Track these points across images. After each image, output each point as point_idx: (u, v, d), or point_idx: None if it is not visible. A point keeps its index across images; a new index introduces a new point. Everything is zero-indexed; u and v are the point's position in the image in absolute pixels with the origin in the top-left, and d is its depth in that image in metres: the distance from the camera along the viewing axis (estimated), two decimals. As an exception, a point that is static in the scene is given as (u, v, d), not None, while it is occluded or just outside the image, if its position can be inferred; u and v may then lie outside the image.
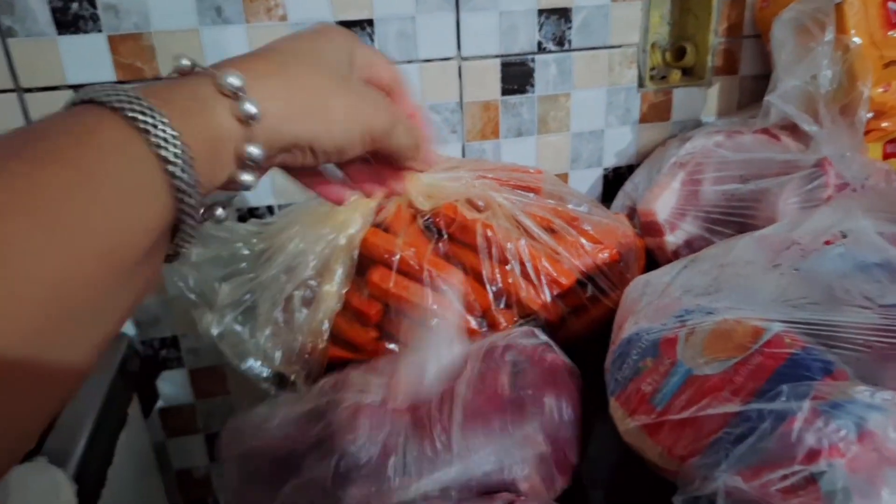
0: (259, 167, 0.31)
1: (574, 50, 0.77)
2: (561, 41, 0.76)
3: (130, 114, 0.25)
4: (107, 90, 0.26)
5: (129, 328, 0.76)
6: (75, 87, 0.67)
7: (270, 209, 0.76)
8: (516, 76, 0.76)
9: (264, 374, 0.56)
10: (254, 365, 0.56)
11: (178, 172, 0.26)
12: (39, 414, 0.24)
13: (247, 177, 0.31)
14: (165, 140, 0.26)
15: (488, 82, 0.76)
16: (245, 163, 0.30)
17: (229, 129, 0.29)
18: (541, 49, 0.76)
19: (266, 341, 0.55)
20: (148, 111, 0.26)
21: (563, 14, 0.75)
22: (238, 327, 0.57)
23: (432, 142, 0.42)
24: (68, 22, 0.65)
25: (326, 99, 0.33)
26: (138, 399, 0.71)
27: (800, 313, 0.40)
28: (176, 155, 0.26)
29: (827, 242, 0.44)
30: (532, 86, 0.77)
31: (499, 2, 0.72)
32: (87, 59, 0.66)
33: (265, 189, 0.75)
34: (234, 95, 0.29)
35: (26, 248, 0.21)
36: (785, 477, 0.36)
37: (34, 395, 0.23)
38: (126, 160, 0.25)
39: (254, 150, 0.30)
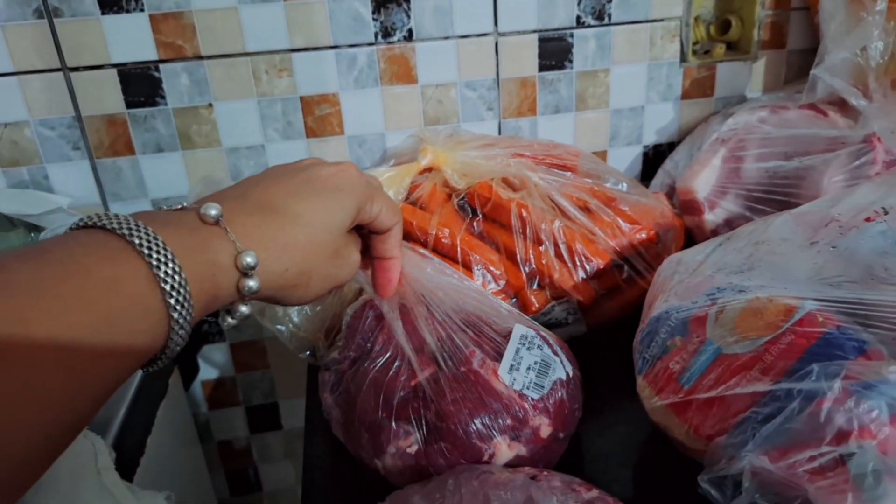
0: (235, 315, 0.35)
1: (614, 24, 0.75)
2: (601, 15, 0.74)
3: (160, 272, 0.28)
4: (130, 224, 0.29)
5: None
6: (119, 66, 0.69)
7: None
8: (554, 52, 0.75)
9: (294, 344, 0.57)
10: (284, 331, 0.57)
11: (178, 329, 0.29)
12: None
13: (230, 320, 0.36)
14: (180, 303, 0.29)
15: (525, 58, 0.75)
16: (230, 314, 0.35)
17: (228, 293, 0.33)
18: (580, 24, 0.74)
19: (295, 315, 0.56)
20: (174, 272, 0.29)
21: (603, -13, 0.73)
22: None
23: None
24: (112, 2, 0.66)
25: (310, 277, 0.37)
26: (179, 372, 0.74)
27: (835, 292, 0.39)
28: (182, 315, 0.29)
29: (867, 219, 0.43)
30: (570, 61, 0.76)
31: (536, -24, 0.71)
32: (129, 38, 0.68)
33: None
34: (245, 273, 0.33)
35: (41, 385, 0.24)
36: (813, 458, 0.35)
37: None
38: (145, 312, 0.28)
39: (242, 309, 0.35)
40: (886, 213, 0.43)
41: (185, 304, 0.29)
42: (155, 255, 0.28)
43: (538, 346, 0.48)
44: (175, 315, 0.29)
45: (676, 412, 0.41)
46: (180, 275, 0.29)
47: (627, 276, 0.65)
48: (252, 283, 0.33)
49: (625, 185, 0.69)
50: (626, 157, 0.82)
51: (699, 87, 0.80)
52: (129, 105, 0.70)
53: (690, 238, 0.71)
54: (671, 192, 0.75)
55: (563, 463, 0.47)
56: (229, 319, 0.35)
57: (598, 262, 0.63)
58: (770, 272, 0.42)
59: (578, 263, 0.63)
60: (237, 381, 0.86)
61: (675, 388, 0.42)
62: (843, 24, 0.65)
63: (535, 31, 0.74)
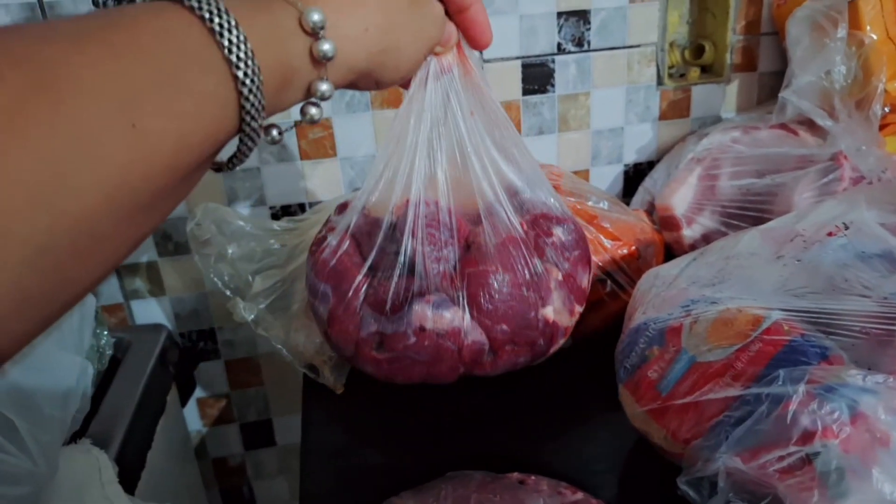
0: (325, 98, 0.32)
1: (593, 50, 0.78)
2: (580, 42, 0.78)
3: (214, 24, 0.25)
4: (223, 17, 0.26)
5: (167, 320, 0.80)
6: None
7: (302, 207, 0.79)
8: (537, 77, 0.78)
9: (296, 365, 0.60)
10: (286, 352, 0.60)
11: (246, 93, 0.26)
12: (72, 294, 0.24)
13: (313, 109, 0.32)
14: (242, 59, 0.26)
15: (509, 83, 0.78)
16: (313, 94, 0.31)
17: (303, 64, 0.30)
18: (560, 50, 0.78)
19: (297, 335, 0.58)
20: (231, 26, 0.26)
21: (582, 16, 0.76)
22: (270, 315, 0.61)
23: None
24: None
25: (398, 37, 0.34)
26: (177, 389, 0.75)
27: (800, 302, 0.42)
28: (248, 75, 0.26)
29: (830, 234, 0.46)
30: (552, 85, 0.79)
31: (519, 5, 0.74)
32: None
33: (297, 188, 0.78)
34: (314, 34, 0.30)
35: (104, 134, 0.21)
36: (782, 458, 0.37)
37: (85, 267, 0.23)
38: (203, 68, 0.25)
39: (323, 87, 0.31)
40: (847, 227, 0.46)
41: (250, 64, 0.26)
42: (206, 9, 0.25)
43: None
44: (241, 75, 0.26)
45: (655, 418, 0.44)
46: (238, 29, 0.26)
47: (610, 290, 0.67)
48: (327, 47, 0.30)
49: (606, 202, 0.72)
50: (608, 176, 0.86)
51: (676, 109, 0.83)
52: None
53: (670, 253, 0.74)
54: (651, 209, 0.78)
55: (549, 469, 0.50)
56: (311, 110, 0.32)
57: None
58: (739, 284, 0.45)
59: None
60: (232, 398, 0.88)
61: (653, 395, 0.44)
62: (808, 50, 0.69)
63: (518, 58, 0.77)
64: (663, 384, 0.44)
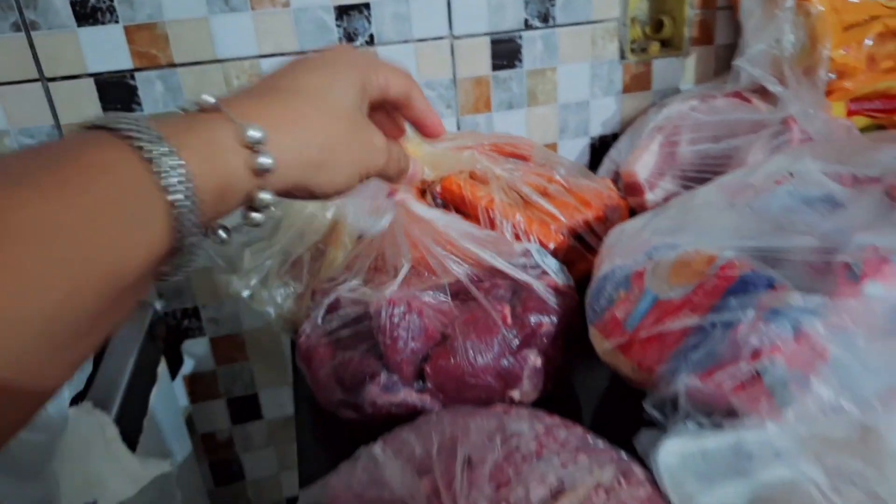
0: (266, 206, 0.32)
1: (559, 26, 0.82)
2: (546, 18, 0.81)
3: (151, 154, 0.26)
4: (119, 118, 0.27)
5: (153, 300, 0.82)
6: (96, 76, 0.73)
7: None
8: (505, 53, 0.82)
9: (274, 319, 0.63)
10: (272, 313, 0.62)
11: (182, 216, 0.27)
12: (8, 428, 0.24)
13: (255, 215, 0.32)
14: (178, 185, 0.26)
15: (479, 59, 0.81)
16: (253, 203, 0.32)
17: (241, 178, 0.30)
18: (527, 26, 0.81)
19: (276, 293, 0.61)
20: (167, 154, 0.26)
21: (547, -8, 0.80)
22: (264, 290, 0.64)
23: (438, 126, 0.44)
24: (87, 14, 0.71)
25: (336, 153, 0.35)
26: (166, 363, 0.78)
27: (749, 242, 0.46)
28: (183, 199, 0.27)
29: (777, 182, 0.50)
30: (520, 61, 0.83)
31: (486, -17, 0.78)
32: (105, 48, 0.72)
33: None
34: (253, 148, 0.30)
35: (24, 276, 0.22)
36: (734, 375, 0.41)
37: (8, 412, 0.24)
38: (138, 199, 0.26)
39: (263, 196, 0.31)
40: (793, 176, 0.50)
41: (187, 188, 0.27)
42: (145, 138, 0.26)
43: None
44: (176, 200, 0.26)
45: (623, 351, 0.48)
46: (175, 157, 0.26)
47: (580, 251, 0.71)
48: (266, 160, 0.30)
49: (573, 171, 0.76)
50: (576, 148, 0.90)
51: (638, 82, 0.87)
52: (106, 112, 0.74)
53: (634, 216, 0.78)
54: (616, 177, 0.82)
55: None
56: (253, 215, 0.32)
57: (551, 243, 0.70)
58: (696, 231, 0.49)
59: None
60: (218, 374, 0.90)
61: (621, 332, 0.48)
62: (760, 20, 0.73)
63: (486, 34, 0.80)
64: (629, 322, 0.48)
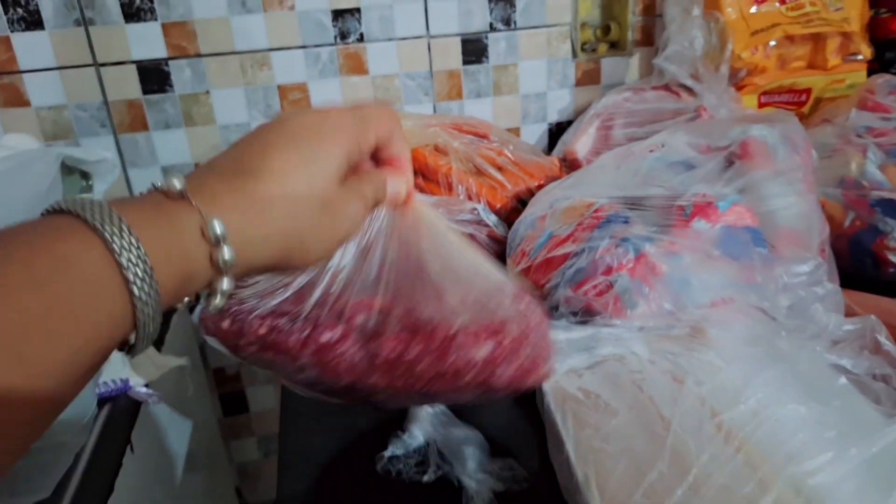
0: (225, 294, 0.32)
1: (519, 29, 0.98)
2: (508, 22, 0.97)
3: (114, 244, 0.26)
4: (89, 206, 0.27)
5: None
6: (138, 62, 0.90)
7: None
8: (474, 50, 0.98)
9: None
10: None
11: (142, 305, 0.27)
12: None
13: (216, 300, 0.32)
14: (140, 277, 0.27)
15: (452, 55, 0.97)
16: (212, 292, 0.31)
17: (203, 268, 0.30)
18: (492, 28, 0.97)
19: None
20: (131, 245, 0.27)
21: (509, 0, 0.96)
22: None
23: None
24: (133, 13, 0.88)
25: (304, 240, 0.34)
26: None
27: (619, 192, 0.61)
28: (144, 290, 0.27)
29: (651, 150, 0.65)
30: (487, 57, 0.98)
31: (457, -9, 0.94)
32: (146, 40, 0.89)
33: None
34: (215, 243, 0.30)
35: None
36: (595, 286, 0.57)
37: None
38: (99, 291, 0.26)
39: (223, 286, 0.31)
40: (663, 146, 0.66)
41: (147, 280, 0.27)
42: (108, 229, 0.26)
43: None
44: (136, 291, 0.26)
45: (525, 274, 0.63)
46: (138, 249, 0.27)
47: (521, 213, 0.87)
48: (227, 255, 0.30)
49: (525, 149, 0.92)
50: (536, 132, 1.05)
51: (589, 77, 1.03)
52: (144, 92, 0.91)
53: (576, 189, 0.93)
54: (564, 158, 0.98)
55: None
56: (214, 301, 0.31)
57: (498, 205, 0.86)
58: (586, 185, 0.65)
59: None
60: (229, 316, 1.07)
61: (526, 260, 0.64)
62: (677, 26, 0.89)
63: (458, 35, 0.96)
64: (532, 253, 0.64)
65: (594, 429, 0.47)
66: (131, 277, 0.26)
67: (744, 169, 0.58)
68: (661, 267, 0.56)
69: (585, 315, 0.58)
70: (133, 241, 0.27)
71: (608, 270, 0.57)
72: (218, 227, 0.29)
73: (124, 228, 0.27)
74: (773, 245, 0.57)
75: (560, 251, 0.61)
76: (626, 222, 0.59)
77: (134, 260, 0.26)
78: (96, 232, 0.26)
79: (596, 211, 0.61)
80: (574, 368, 0.53)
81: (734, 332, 0.54)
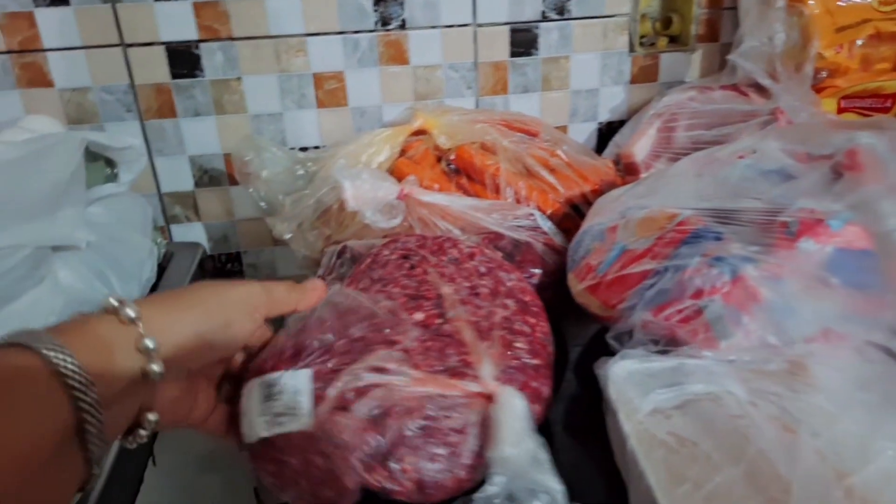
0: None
1: (573, 19, 0.90)
2: (562, 11, 0.90)
3: (57, 364, 0.32)
4: (33, 338, 0.32)
5: (202, 243, 0.93)
6: (167, 44, 0.83)
7: (317, 148, 0.91)
8: (523, 41, 0.90)
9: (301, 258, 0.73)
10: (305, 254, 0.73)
11: (81, 403, 0.32)
12: None
13: (141, 431, 0.40)
14: (73, 376, 0.32)
15: (499, 45, 0.90)
16: (141, 425, 0.39)
17: (130, 363, 0.36)
18: (544, 18, 0.90)
19: (310, 236, 0.71)
20: (67, 362, 0.32)
21: (564, -12, 0.88)
22: (300, 234, 0.74)
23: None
24: (161, -9, 0.81)
25: (208, 349, 0.41)
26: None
27: (707, 203, 0.54)
28: (80, 383, 0.32)
29: (740, 157, 0.58)
30: (536, 49, 0.91)
31: (509, -23, 0.87)
32: (176, 20, 0.83)
33: (313, 131, 0.91)
34: (148, 355, 0.36)
35: None
36: (680, 310, 0.50)
37: None
38: (37, 387, 0.31)
39: (150, 418, 0.39)
40: (754, 152, 0.58)
41: (87, 386, 0.32)
42: (50, 354, 0.32)
43: None
44: (71, 382, 0.31)
45: (592, 292, 0.56)
46: (73, 359, 0.32)
47: (575, 220, 0.80)
48: (155, 367, 0.36)
49: (578, 150, 0.85)
50: (584, 132, 0.98)
51: (645, 74, 0.95)
52: (173, 76, 0.85)
53: (633, 194, 0.86)
54: (618, 160, 0.90)
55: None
56: (140, 431, 0.39)
57: (549, 210, 0.78)
58: (664, 194, 0.58)
59: (535, 212, 0.79)
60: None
61: (593, 275, 0.57)
62: (755, 19, 0.81)
63: (507, 24, 0.89)
64: (601, 267, 0.56)
65: (694, 485, 0.40)
66: (62, 371, 0.32)
67: (855, 182, 0.51)
68: (762, 292, 0.49)
69: (667, 343, 0.51)
70: (67, 355, 0.32)
71: (698, 294, 0.49)
72: (150, 342, 0.36)
73: (65, 352, 0.32)
74: (888, 271, 0.50)
75: (636, 268, 0.53)
76: (718, 239, 0.51)
77: (71, 370, 0.32)
78: (39, 354, 0.32)
79: (680, 224, 0.54)
80: (659, 408, 0.46)
81: (843, 372, 0.47)
